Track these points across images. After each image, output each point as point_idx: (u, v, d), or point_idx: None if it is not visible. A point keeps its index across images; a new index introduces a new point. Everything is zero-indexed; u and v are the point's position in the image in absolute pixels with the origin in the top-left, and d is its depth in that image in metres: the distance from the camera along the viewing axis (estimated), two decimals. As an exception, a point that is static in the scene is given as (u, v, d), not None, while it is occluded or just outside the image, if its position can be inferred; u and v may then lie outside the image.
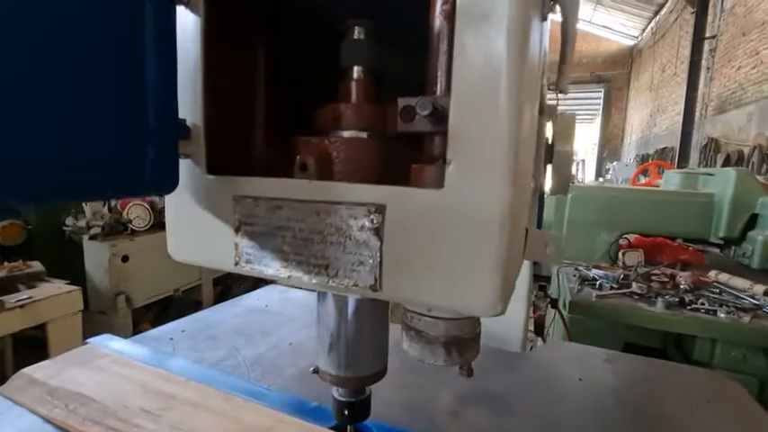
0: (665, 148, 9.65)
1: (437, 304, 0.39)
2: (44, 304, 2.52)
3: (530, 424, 0.71)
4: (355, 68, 0.49)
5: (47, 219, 3.76)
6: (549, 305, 2.10)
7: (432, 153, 0.41)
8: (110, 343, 0.91)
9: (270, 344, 0.99)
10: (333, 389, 0.58)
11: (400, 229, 0.38)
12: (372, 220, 0.38)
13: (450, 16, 0.39)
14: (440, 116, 0.37)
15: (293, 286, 0.49)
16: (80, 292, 2.83)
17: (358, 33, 0.48)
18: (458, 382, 0.83)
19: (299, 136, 0.48)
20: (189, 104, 0.47)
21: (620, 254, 2.72)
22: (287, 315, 1.19)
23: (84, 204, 3.86)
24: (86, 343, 0.91)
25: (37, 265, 2.98)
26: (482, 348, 0.99)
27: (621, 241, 2.88)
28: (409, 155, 0.44)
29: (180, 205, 0.50)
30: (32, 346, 2.49)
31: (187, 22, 0.46)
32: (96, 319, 3.32)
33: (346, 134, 0.47)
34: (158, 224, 3.98)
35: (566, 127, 0.55)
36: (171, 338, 0.99)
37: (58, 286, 2.77)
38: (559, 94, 0.60)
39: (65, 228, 3.70)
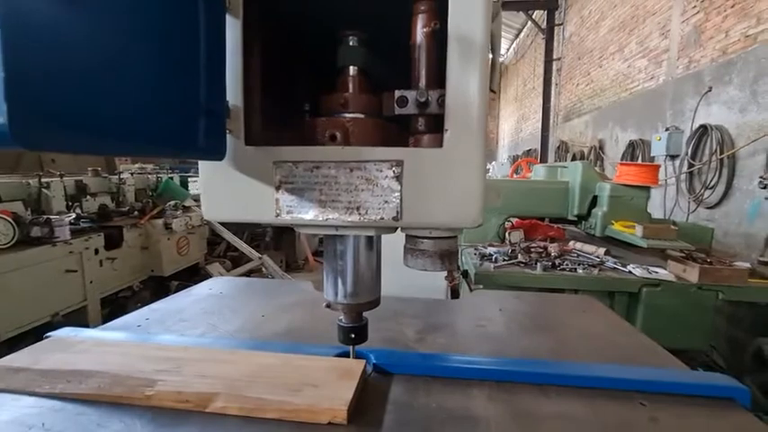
0: (530, 149, 11.48)
1: (440, 224, 0.59)
2: None
3: (471, 338, 0.96)
4: (352, 67, 0.66)
5: None
6: (462, 275, 2.48)
7: (416, 128, 0.61)
8: (77, 333, 0.89)
9: (243, 318, 1.06)
10: (339, 321, 0.73)
11: (414, 176, 0.57)
12: (394, 171, 0.57)
13: (430, 36, 0.59)
14: (424, 103, 0.57)
15: (323, 229, 0.61)
16: None
17: (353, 41, 0.66)
18: (414, 323, 1.04)
19: (317, 117, 0.63)
20: (231, 89, 0.58)
21: (506, 234, 3.29)
22: (246, 297, 1.25)
23: None
24: (48, 336, 0.87)
25: None
26: (422, 301, 1.21)
27: (507, 224, 3.46)
28: (397, 130, 0.64)
29: (218, 173, 0.61)
30: None
31: (228, 23, 0.58)
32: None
33: (352, 115, 0.63)
34: (26, 240, 3.37)
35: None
36: (138, 326, 0.99)
37: None
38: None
39: None
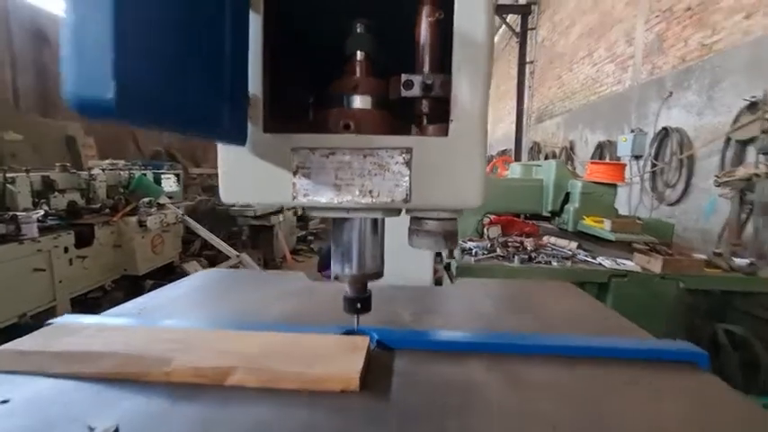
0: (504, 150, 11.80)
1: (445, 205, 0.65)
2: None
3: (463, 318, 1.03)
4: (360, 53, 0.70)
5: None
6: (444, 268, 2.56)
7: (421, 111, 0.66)
8: (77, 320, 0.89)
9: (242, 304, 1.08)
10: (345, 293, 0.78)
11: (422, 162, 0.62)
12: (404, 158, 0.62)
13: (434, 26, 0.65)
14: (429, 87, 0.63)
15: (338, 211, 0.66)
16: None
17: (360, 28, 0.70)
18: (410, 306, 1.10)
19: (329, 108, 0.68)
20: (251, 80, 0.62)
21: (485, 229, 3.42)
22: (241, 286, 1.27)
23: None
24: (50, 323, 0.87)
25: None
26: (412, 288, 1.27)
27: (485, 220, 3.58)
28: (403, 122, 0.69)
29: (237, 158, 0.64)
30: None
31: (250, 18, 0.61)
32: None
33: (362, 102, 0.68)
34: (-9, 236, 3.21)
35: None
36: (138, 312, 1.00)
37: None
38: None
39: None
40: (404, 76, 0.63)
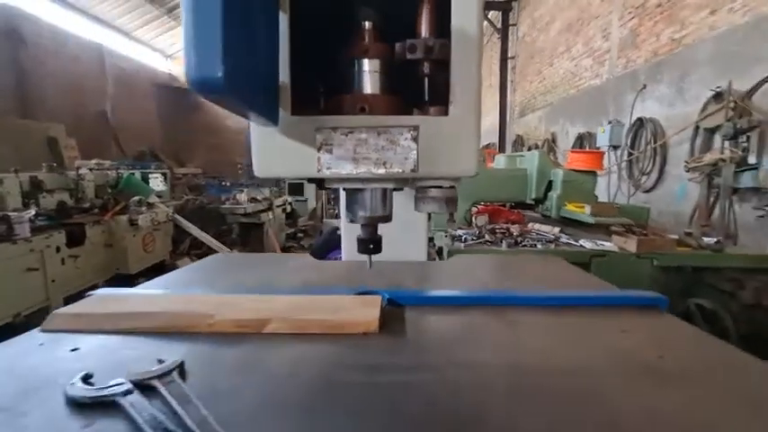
0: (489, 143, 12.02)
1: (447, 174, 0.77)
2: None
3: (463, 283, 1.16)
4: (368, 23, 0.80)
5: None
6: (437, 253, 2.70)
7: (423, 73, 0.77)
8: (114, 292, 0.98)
9: (257, 277, 1.19)
10: (359, 236, 0.88)
11: (427, 138, 0.74)
12: (412, 134, 0.74)
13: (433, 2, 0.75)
14: (430, 48, 0.74)
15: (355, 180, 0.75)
16: None
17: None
18: (411, 276, 1.22)
19: (344, 94, 0.79)
20: (281, 70, 0.73)
21: (473, 218, 3.57)
22: (254, 265, 1.37)
23: None
24: (89, 295, 0.96)
25: None
26: (410, 263, 1.39)
27: (473, 209, 3.74)
28: (407, 103, 0.81)
29: (268, 137, 0.75)
30: None
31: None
32: None
33: (372, 83, 0.79)
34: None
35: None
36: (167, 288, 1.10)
37: None
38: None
39: None
40: (408, 41, 0.73)
